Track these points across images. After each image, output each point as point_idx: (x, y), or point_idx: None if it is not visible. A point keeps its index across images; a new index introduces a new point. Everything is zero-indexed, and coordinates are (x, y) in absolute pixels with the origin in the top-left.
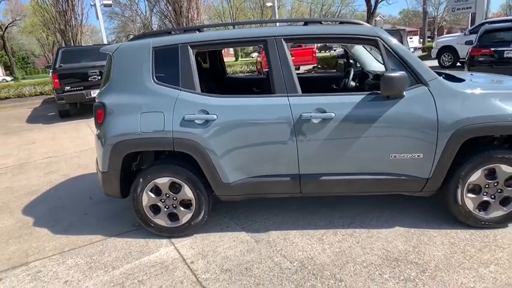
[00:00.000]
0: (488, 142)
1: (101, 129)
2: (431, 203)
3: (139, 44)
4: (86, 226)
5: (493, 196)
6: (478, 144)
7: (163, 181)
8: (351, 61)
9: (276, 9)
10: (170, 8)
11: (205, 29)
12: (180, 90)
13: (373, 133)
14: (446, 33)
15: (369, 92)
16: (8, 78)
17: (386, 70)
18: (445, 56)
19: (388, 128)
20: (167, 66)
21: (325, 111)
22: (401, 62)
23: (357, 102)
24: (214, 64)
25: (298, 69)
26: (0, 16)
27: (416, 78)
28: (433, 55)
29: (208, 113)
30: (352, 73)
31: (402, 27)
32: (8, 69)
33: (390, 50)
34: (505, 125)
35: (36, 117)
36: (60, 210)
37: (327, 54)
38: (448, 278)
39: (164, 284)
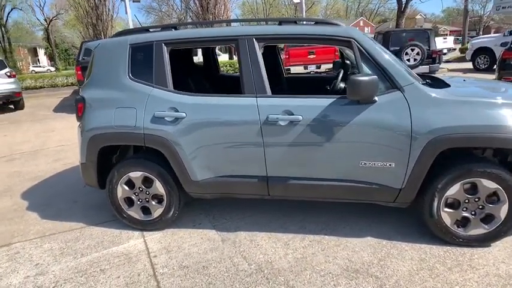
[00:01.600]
0: (470, 154)
1: (81, 122)
2: (412, 214)
3: (117, 40)
4: (71, 213)
5: (473, 212)
6: (457, 156)
7: (136, 175)
8: (347, 61)
9: (304, 5)
10: (198, 3)
11: (184, 27)
12: (153, 87)
13: (342, 138)
14: (494, 33)
15: (340, 96)
16: (52, 69)
17: (359, 73)
18: (480, 59)
19: (357, 133)
20: (142, 63)
21: (292, 114)
22: (375, 65)
23: (326, 105)
24: (207, 62)
25: (319, 67)
26: (46, 10)
27: (391, 83)
28: (468, 57)
29: (177, 111)
30: (341, 74)
31: (430, 27)
32: (53, 60)
33: (364, 52)
34: (484, 136)
35: (62, 107)
36: (54, 196)
37: None
38: None
39: (122, 275)
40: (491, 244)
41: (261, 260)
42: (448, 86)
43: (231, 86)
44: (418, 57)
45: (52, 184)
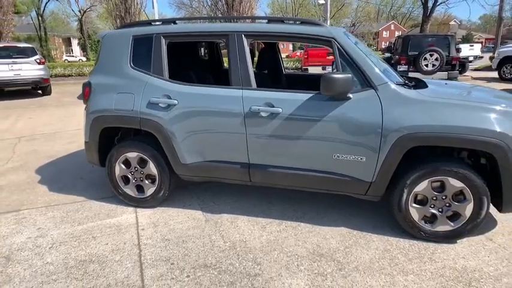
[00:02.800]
0: (439, 153)
1: (87, 104)
2: (388, 209)
3: (122, 31)
4: (76, 188)
5: (440, 209)
6: (427, 154)
7: (132, 155)
8: None
9: (328, 6)
10: (224, 0)
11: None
12: (151, 75)
13: (318, 131)
14: None
15: (317, 92)
16: (84, 59)
17: (337, 70)
18: (506, 68)
19: (332, 127)
20: (143, 53)
21: (273, 106)
22: (352, 64)
23: (305, 100)
24: (212, 56)
25: None
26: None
27: (366, 82)
28: (494, 66)
29: (170, 98)
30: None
31: (451, 33)
32: (85, 51)
33: (343, 51)
34: (450, 136)
35: None
36: (64, 173)
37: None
38: (359, 279)
39: (110, 242)
40: (457, 241)
41: (236, 239)
42: (426, 87)
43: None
44: (437, 63)
45: (63, 162)
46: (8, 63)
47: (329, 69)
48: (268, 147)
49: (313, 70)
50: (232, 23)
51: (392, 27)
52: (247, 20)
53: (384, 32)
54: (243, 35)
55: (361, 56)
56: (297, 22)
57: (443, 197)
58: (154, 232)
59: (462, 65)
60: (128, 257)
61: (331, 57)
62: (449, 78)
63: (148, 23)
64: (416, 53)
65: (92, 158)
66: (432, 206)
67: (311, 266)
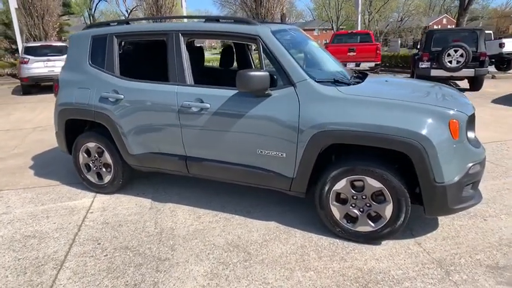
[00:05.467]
0: (363, 152)
1: (56, 98)
2: None
3: (84, 32)
4: (58, 174)
5: (361, 209)
6: (347, 152)
7: (91, 145)
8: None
9: (360, 1)
10: None
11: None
12: (104, 72)
13: (242, 126)
14: None
15: None
16: None
17: (260, 67)
18: None
19: (254, 123)
20: (99, 52)
21: (202, 102)
22: (275, 62)
23: (230, 96)
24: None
25: (359, 65)
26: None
27: (287, 79)
28: None
29: (118, 93)
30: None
31: (479, 27)
32: None
33: (267, 49)
34: (361, 134)
35: None
36: (55, 160)
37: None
38: (258, 271)
39: (58, 221)
40: (382, 243)
41: (167, 226)
42: (357, 83)
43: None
44: (462, 59)
45: (60, 151)
46: (44, 61)
47: (350, 65)
48: (201, 141)
49: None
50: (171, 22)
51: (444, 21)
52: (194, 20)
53: (435, 27)
54: (180, 34)
55: (284, 54)
56: (230, 21)
57: (363, 197)
58: (100, 215)
59: (508, 61)
60: (65, 236)
61: (352, 53)
62: (476, 76)
63: (107, 23)
64: (440, 48)
65: (61, 147)
66: (353, 205)
67: (221, 255)
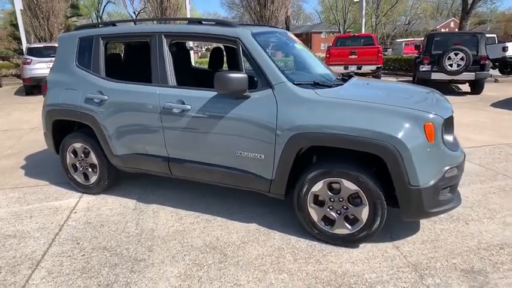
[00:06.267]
0: (340, 155)
1: (44, 99)
2: None
3: (72, 34)
4: (46, 174)
5: (338, 212)
6: (326, 155)
7: (78, 146)
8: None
9: (364, 4)
10: (256, 1)
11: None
12: (90, 73)
13: (221, 128)
14: None
15: None
16: None
17: (239, 69)
18: None
19: (233, 125)
20: (85, 53)
21: (183, 103)
22: (253, 63)
23: (209, 97)
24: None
25: (360, 68)
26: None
27: (265, 81)
28: None
29: (102, 94)
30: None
31: (481, 31)
32: None
33: (246, 51)
34: (335, 137)
35: None
36: (46, 161)
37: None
38: (231, 273)
39: (41, 221)
40: (360, 246)
41: (148, 227)
42: (338, 86)
43: (199, 78)
44: (462, 63)
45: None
46: (46, 62)
47: (351, 68)
48: (182, 143)
49: (335, 69)
50: (155, 24)
51: (452, 24)
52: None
53: (442, 30)
54: (162, 36)
55: (262, 56)
56: (212, 23)
57: (340, 199)
58: (83, 216)
59: (511, 65)
60: (46, 235)
61: (353, 56)
62: (476, 79)
63: (94, 25)
64: (441, 52)
65: (49, 147)
66: (330, 207)
67: (197, 256)
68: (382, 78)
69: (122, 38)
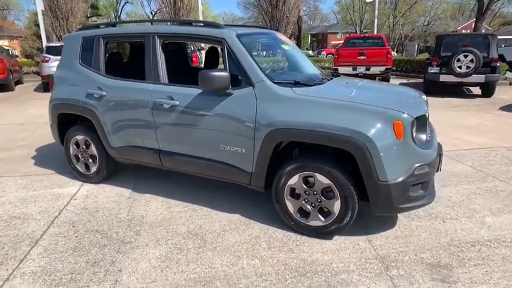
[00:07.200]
0: (315, 150)
1: (51, 93)
2: None
3: (77, 34)
4: (54, 164)
5: (313, 204)
6: (304, 150)
7: (80, 138)
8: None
9: (376, 4)
10: (268, 1)
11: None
12: (91, 70)
13: (206, 123)
14: None
15: None
16: None
17: (224, 68)
18: None
19: (216, 120)
20: (87, 51)
21: (173, 99)
22: (237, 63)
23: (196, 94)
24: (177, 56)
25: (369, 69)
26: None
27: (247, 79)
28: None
29: (101, 90)
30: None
31: (492, 33)
32: None
33: (230, 51)
34: (306, 133)
35: None
36: (55, 152)
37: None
38: (208, 256)
39: (43, 206)
40: (334, 238)
41: (139, 214)
42: (317, 85)
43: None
44: (472, 65)
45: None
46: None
47: (360, 69)
48: (171, 136)
49: (344, 70)
50: (149, 25)
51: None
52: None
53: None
54: (156, 36)
55: (245, 55)
56: (201, 24)
57: (314, 192)
58: (81, 202)
59: None
60: (46, 218)
61: (362, 57)
62: (487, 82)
63: (97, 26)
64: (449, 53)
65: (55, 138)
66: (305, 200)
67: (179, 241)
68: (391, 80)
69: (120, 38)
